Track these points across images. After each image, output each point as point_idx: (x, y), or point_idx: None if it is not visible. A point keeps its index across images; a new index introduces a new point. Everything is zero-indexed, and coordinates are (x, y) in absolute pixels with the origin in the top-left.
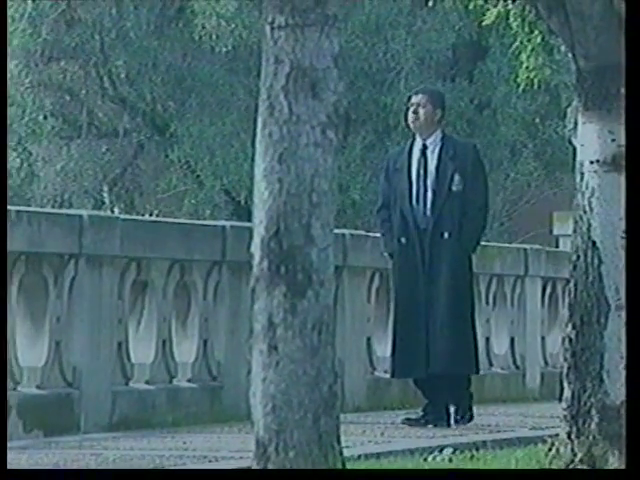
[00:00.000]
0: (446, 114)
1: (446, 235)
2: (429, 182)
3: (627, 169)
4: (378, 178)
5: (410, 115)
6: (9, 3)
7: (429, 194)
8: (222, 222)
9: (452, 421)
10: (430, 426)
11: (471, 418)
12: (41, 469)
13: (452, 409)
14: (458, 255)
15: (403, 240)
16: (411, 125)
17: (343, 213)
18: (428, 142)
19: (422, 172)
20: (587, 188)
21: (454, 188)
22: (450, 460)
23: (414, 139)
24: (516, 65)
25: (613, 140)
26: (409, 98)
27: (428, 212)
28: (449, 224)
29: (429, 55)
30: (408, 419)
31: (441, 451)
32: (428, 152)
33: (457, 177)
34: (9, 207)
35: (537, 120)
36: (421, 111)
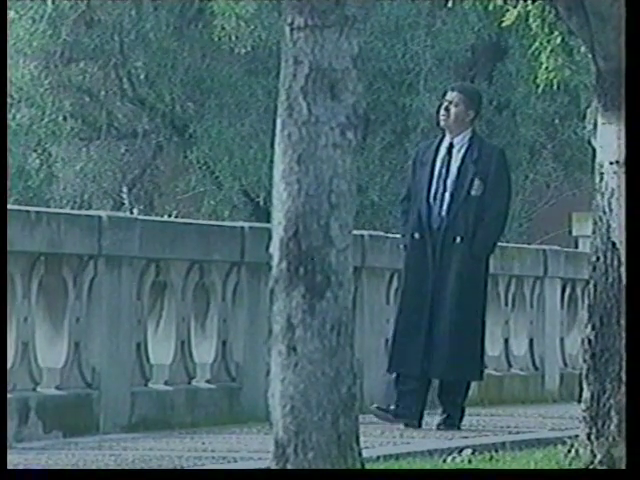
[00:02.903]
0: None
1: (458, 240)
2: (449, 182)
3: (627, 170)
4: (397, 179)
5: (441, 112)
6: (29, 4)
7: (447, 195)
8: (241, 223)
9: (438, 423)
10: (439, 428)
11: (458, 425)
12: (43, 469)
13: (443, 414)
14: (468, 261)
15: (417, 236)
16: (441, 122)
17: (362, 214)
18: (455, 141)
19: (444, 171)
20: (607, 189)
21: (473, 192)
22: (469, 461)
23: (444, 135)
24: (535, 66)
25: None
26: (444, 93)
27: (443, 213)
28: (462, 229)
29: (448, 56)
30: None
31: (460, 452)
32: (454, 151)
33: (477, 181)
34: (28, 208)
35: (556, 121)
36: (453, 109)
